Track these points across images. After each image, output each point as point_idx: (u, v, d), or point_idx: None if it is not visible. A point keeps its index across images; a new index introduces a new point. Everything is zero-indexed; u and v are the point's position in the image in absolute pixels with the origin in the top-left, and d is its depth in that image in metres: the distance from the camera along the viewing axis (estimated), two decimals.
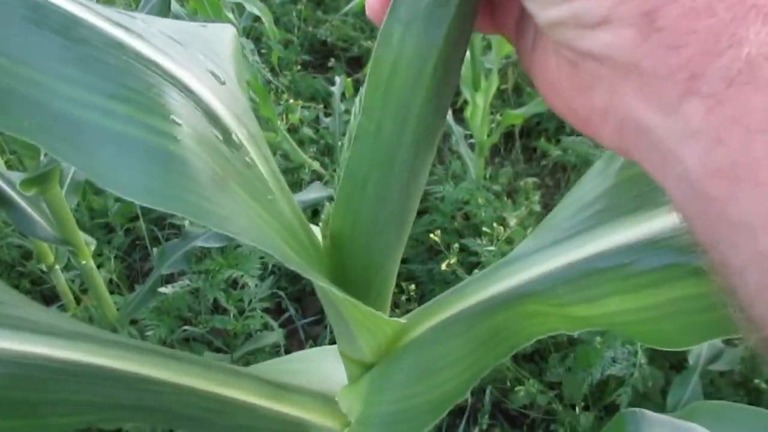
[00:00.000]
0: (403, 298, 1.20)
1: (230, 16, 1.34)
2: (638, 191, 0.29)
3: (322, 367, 0.40)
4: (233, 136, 0.26)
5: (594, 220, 0.29)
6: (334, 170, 1.41)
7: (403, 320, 0.33)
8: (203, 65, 0.29)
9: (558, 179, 1.42)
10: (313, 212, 1.24)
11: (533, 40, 0.23)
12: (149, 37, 0.26)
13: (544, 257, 0.30)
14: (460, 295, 0.32)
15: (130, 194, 0.20)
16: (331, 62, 1.67)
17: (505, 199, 1.28)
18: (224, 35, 0.34)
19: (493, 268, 0.32)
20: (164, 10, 0.81)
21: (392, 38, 0.23)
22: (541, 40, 0.23)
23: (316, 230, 0.32)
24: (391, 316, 0.31)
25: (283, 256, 0.23)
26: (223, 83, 0.28)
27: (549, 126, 1.50)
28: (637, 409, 0.50)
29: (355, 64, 1.74)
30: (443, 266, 1.14)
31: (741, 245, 0.17)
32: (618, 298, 0.27)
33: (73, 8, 0.24)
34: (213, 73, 0.28)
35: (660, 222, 0.27)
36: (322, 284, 0.25)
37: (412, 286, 1.20)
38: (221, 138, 0.25)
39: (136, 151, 0.21)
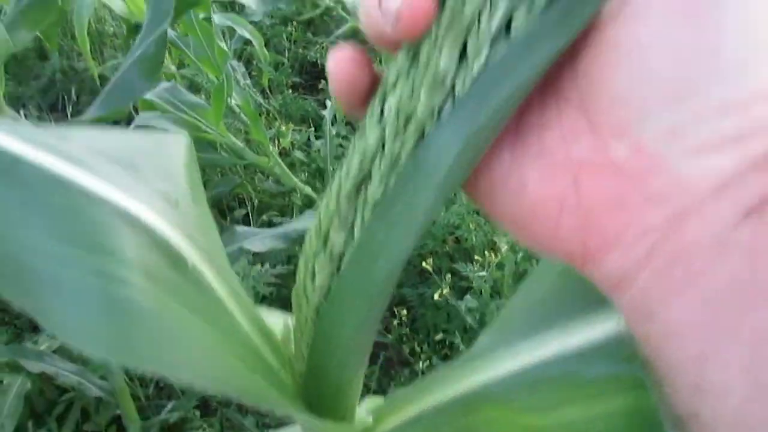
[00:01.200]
0: (395, 322, 1.21)
1: (221, 43, 1.34)
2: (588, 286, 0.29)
3: None
4: (187, 261, 0.26)
5: (546, 319, 0.29)
6: None
7: (369, 418, 0.33)
8: (151, 185, 0.28)
9: None
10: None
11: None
12: (92, 164, 0.26)
13: (499, 359, 0.30)
14: (424, 392, 0.32)
15: (78, 343, 0.19)
16: (322, 84, 1.68)
17: None
18: (175, 149, 0.33)
19: (455, 365, 0.32)
20: (161, 47, 0.82)
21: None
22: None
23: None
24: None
25: (246, 393, 0.21)
26: (176, 201, 0.28)
27: None
28: None
29: None
30: (436, 296, 1.15)
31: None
32: (569, 408, 0.27)
33: (12, 145, 0.24)
34: (163, 192, 0.28)
35: (609, 326, 0.27)
36: (295, 415, 0.24)
37: (404, 311, 1.21)
38: (172, 266, 0.25)
39: (82, 297, 0.21)
